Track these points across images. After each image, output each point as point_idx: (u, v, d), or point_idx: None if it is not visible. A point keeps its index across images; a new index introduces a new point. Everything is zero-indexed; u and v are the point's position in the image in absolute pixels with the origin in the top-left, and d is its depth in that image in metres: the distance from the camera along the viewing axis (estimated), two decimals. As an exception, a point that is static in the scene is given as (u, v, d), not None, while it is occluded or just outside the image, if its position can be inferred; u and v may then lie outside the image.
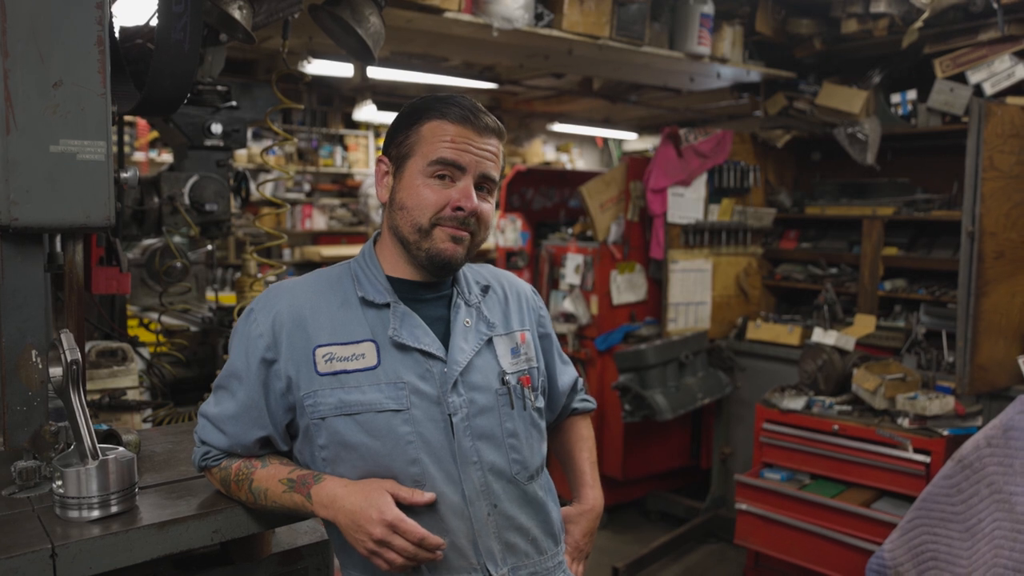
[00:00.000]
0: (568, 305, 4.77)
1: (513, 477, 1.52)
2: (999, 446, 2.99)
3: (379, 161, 1.54)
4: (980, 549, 2.95)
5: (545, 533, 1.56)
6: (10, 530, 1.37)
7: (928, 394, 3.54)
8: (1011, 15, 3.73)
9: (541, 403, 1.63)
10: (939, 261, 4.27)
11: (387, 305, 1.49)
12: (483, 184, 1.49)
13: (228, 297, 4.30)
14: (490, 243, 6.53)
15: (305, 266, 7.78)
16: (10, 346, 1.58)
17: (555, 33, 3.51)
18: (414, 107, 1.50)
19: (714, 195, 4.79)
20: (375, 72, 4.95)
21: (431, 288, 1.55)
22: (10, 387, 1.58)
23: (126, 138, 5.62)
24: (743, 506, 3.86)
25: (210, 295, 3.77)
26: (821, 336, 4.19)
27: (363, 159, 8.88)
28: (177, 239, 3.15)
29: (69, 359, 1.47)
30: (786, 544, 3.72)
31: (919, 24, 3.89)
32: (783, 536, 3.72)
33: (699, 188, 4.70)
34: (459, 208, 1.45)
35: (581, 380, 1.86)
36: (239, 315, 2.70)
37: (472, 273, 1.64)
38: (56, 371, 1.50)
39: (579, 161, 10.65)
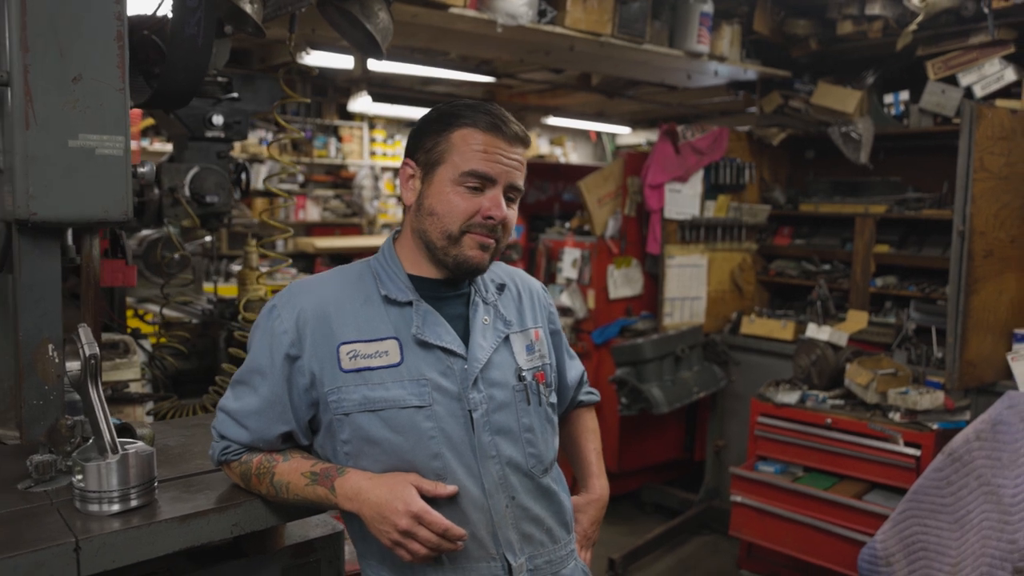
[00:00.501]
0: (565, 299, 4.80)
1: (529, 470, 1.56)
2: (988, 440, 3.06)
3: (404, 164, 1.55)
4: (968, 539, 3.02)
5: (558, 523, 1.61)
6: (31, 524, 1.38)
7: (918, 389, 3.60)
8: (1001, 20, 3.79)
9: (554, 399, 1.67)
10: (929, 259, 4.33)
11: (409, 303, 1.52)
12: (510, 193, 1.52)
13: (225, 289, 4.30)
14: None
15: (298, 258, 7.77)
16: (27, 340, 1.58)
17: (558, 30, 3.52)
18: (443, 113, 1.52)
19: (710, 191, 4.83)
20: (375, 64, 4.94)
21: (451, 286, 1.57)
22: (27, 381, 1.59)
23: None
24: (738, 498, 3.91)
25: (208, 287, 3.77)
26: (815, 331, 4.24)
27: (357, 150, 8.87)
28: (171, 230, 3.14)
29: (88, 353, 1.48)
30: (780, 535, 3.77)
31: (913, 27, 3.95)
32: (777, 527, 3.78)
33: (696, 184, 4.73)
34: (489, 217, 1.48)
35: (586, 373, 1.90)
36: (245, 308, 2.72)
37: (487, 271, 1.66)
38: (73, 365, 1.51)
39: (572, 155, 10.66)
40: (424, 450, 1.46)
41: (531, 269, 5.30)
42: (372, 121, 9.10)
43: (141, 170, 1.62)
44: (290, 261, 2.73)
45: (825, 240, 4.92)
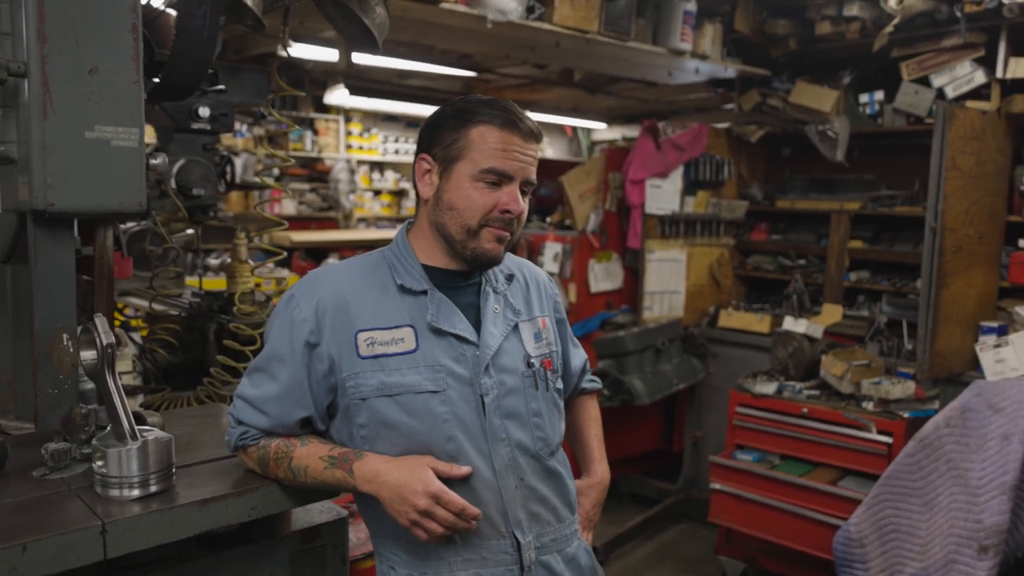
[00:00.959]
0: (546, 292, 4.84)
1: (537, 453, 1.62)
2: (956, 426, 3.19)
3: (420, 159, 1.60)
4: (937, 520, 3.14)
5: (564, 503, 1.68)
6: (55, 509, 1.41)
7: (891, 379, 3.72)
8: (972, 23, 3.90)
9: (560, 384, 1.74)
10: (901, 254, 4.46)
11: (424, 292, 1.57)
12: (524, 187, 1.57)
13: (209, 283, 4.28)
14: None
15: (273, 252, 7.69)
16: (42, 330, 1.60)
17: (545, 26, 3.56)
18: (459, 110, 1.56)
19: (690, 187, 4.91)
20: (359, 57, 4.94)
21: (463, 277, 1.63)
22: (42, 370, 1.61)
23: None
24: (717, 485, 4.00)
25: (192, 280, 3.75)
26: (791, 324, 4.35)
27: (333, 144, 8.84)
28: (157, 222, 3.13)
29: (104, 342, 1.50)
30: (757, 521, 3.87)
31: (889, 29, 4.04)
32: (755, 513, 3.87)
33: (676, 180, 4.81)
34: (507, 211, 1.54)
35: (588, 361, 1.96)
36: (241, 300, 2.74)
37: None
38: (88, 354, 1.53)
39: (549, 150, 10.71)
40: (439, 433, 1.52)
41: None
42: (348, 114, 9.07)
43: (154, 162, 1.64)
44: (284, 254, 2.75)
45: (801, 236, 5.03)
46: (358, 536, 2.26)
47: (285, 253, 2.92)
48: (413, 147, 1.61)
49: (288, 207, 8.30)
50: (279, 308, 1.56)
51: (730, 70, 4.69)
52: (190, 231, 3.59)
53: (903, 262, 4.46)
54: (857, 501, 3.43)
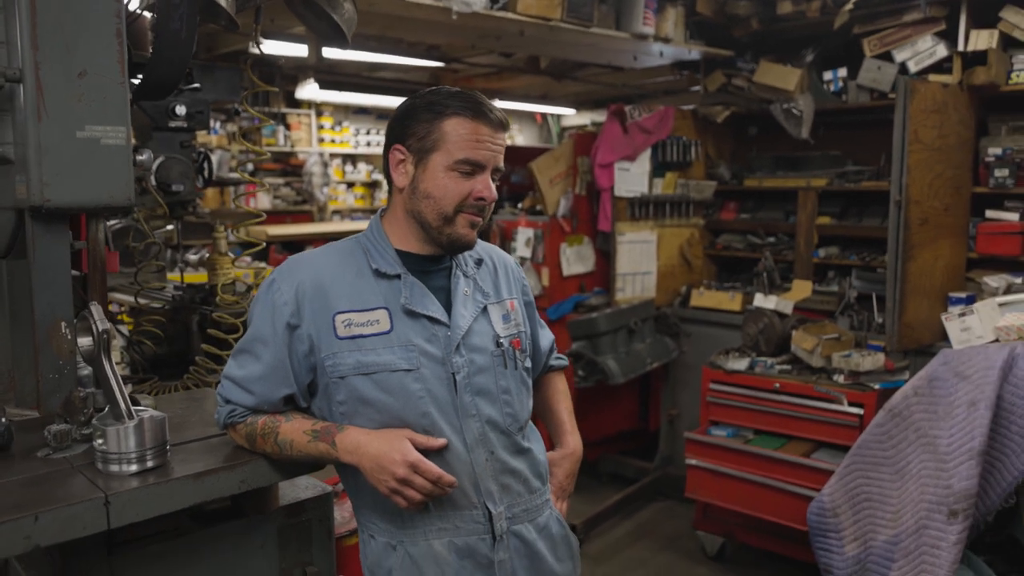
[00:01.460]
0: (521, 277, 4.93)
1: (506, 428, 1.72)
2: (925, 395, 3.22)
3: (394, 149, 1.68)
4: (908, 488, 3.21)
5: (534, 474, 1.77)
6: (59, 483, 1.51)
7: (861, 352, 3.78)
8: (933, -2, 3.96)
9: (529, 363, 1.83)
10: (869, 229, 4.53)
11: (398, 276, 1.66)
12: (493, 175, 1.67)
13: (191, 277, 4.35)
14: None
15: (250, 246, 7.73)
16: (41, 319, 1.69)
17: (509, 15, 3.64)
18: (431, 102, 1.65)
19: (658, 169, 4.99)
20: (329, 52, 5.00)
21: (434, 261, 1.73)
22: (43, 357, 1.70)
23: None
24: (692, 461, 4.05)
25: (174, 275, 3.82)
26: (761, 301, 4.43)
27: (306, 138, 8.88)
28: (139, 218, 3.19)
29: (100, 329, 1.60)
30: (733, 495, 3.93)
31: (850, 6, 4.11)
32: (730, 488, 3.93)
33: (644, 163, 4.90)
34: (481, 199, 1.64)
35: (555, 341, 2.07)
36: (223, 291, 2.83)
37: None
38: (85, 341, 1.62)
39: (519, 137, 10.80)
40: (413, 409, 1.62)
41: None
42: (320, 108, 9.11)
43: (140, 158, 1.72)
44: (264, 244, 2.83)
45: (769, 214, 5.12)
46: (343, 515, 2.36)
47: (264, 244, 2.99)
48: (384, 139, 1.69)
49: (263, 201, 8.34)
50: (261, 292, 1.65)
51: (694, 52, 4.78)
52: (170, 227, 3.66)
53: (871, 236, 4.52)
54: (830, 472, 3.48)
